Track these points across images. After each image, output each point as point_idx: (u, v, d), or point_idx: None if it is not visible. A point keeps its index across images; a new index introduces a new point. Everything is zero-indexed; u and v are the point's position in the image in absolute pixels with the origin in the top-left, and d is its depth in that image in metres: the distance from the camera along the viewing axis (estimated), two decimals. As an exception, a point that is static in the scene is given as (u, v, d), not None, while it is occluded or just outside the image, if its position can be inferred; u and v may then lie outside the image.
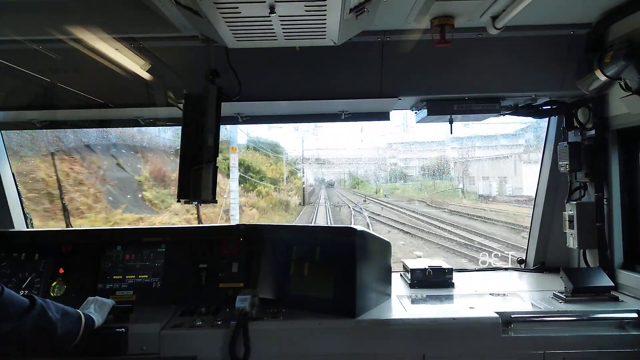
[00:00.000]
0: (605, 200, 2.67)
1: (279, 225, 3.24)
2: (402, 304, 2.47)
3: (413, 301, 2.55)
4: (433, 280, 2.82)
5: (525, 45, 2.54)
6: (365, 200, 27.67)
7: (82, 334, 1.91)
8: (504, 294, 2.61)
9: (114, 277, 2.64)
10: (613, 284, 2.51)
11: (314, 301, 2.38)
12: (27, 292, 2.55)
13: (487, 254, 3.57)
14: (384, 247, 2.69)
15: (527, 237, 3.35)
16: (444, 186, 27.53)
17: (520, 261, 3.33)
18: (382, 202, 25.90)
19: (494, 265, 3.40)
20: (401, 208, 22.62)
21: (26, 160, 9.21)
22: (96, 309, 2.10)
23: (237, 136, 13.51)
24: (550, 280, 2.94)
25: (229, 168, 12.95)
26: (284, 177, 26.25)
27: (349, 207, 23.63)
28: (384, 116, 3.03)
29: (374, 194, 32.13)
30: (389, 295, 2.61)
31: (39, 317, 1.75)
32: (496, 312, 2.23)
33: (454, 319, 2.21)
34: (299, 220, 19.68)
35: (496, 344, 2.17)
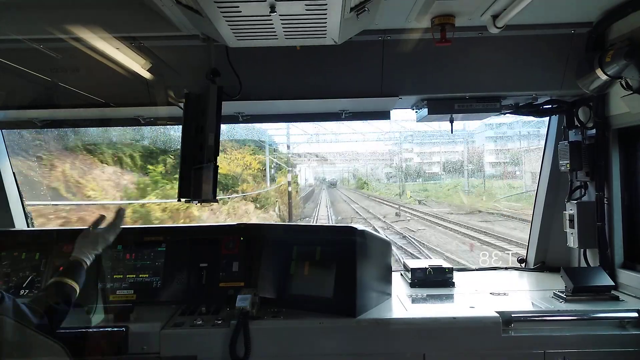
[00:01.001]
0: (605, 199, 2.67)
1: (280, 225, 3.24)
2: (402, 304, 2.47)
3: (413, 300, 2.55)
4: (433, 280, 2.82)
5: (525, 44, 2.53)
6: (398, 214, 17.38)
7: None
8: (505, 294, 2.61)
9: (115, 276, 2.64)
10: (613, 284, 2.51)
11: (315, 301, 2.38)
12: (27, 291, 2.56)
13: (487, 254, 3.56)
14: (385, 247, 2.69)
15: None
16: (503, 187, 19.68)
17: (521, 260, 3.32)
18: (437, 220, 14.80)
19: (494, 265, 3.40)
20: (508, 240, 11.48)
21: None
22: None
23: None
24: (550, 280, 2.94)
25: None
26: (268, 177, 16.99)
27: (377, 230, 13.02)
28: (384, 115, 3.03)
29: (395, 197, 24.29)
30: (390, 294, 2.61)
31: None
32: (496, 312, 2.23)
33: (454, 318, 2.21)
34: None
35: (496, 343, 2.17)
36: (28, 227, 3.31)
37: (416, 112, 2.98)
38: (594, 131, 2.71)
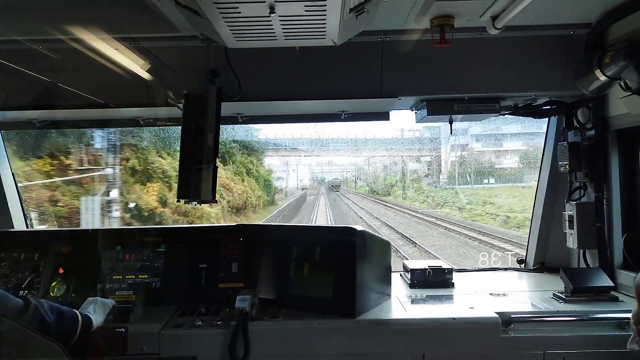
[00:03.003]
0: (605, 200, 2.67)
1: (279, 225, 3.25)
2: (402, 304, 2.47)
3: (413, 301, 2.55)
4: (433, 280, 2.81)
5: (525, 45, 2.54)
6: None
7: (79, 335, 1.91)
8: (504, 294, 2.61)
9: (114, 277, 2.64)
10: (613, 284, 2.51)
11: (314, 301, 2.38)
12: (26, 292, 2.56)
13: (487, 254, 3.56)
14: (384, 247, 2.69)
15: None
16: None
17: (520, 261, 3.32)
18: None
19: (494, 265, 3.40)
20: None
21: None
22: (95, 310, 2.10)
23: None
24: (550, 280, 2.94)
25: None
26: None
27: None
28: (384, 116, 3.04)
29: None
30: (389, 295, 2.61)
31: (32, 318, 1.75)
32: (496, 312, 2.23)
33: (453, 319, 2.21)
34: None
35: (496, 344, 2.17)
36: (27, 227, 3.31)
37: (415, 112, 2.98)
38: (593, 132, 2.71)
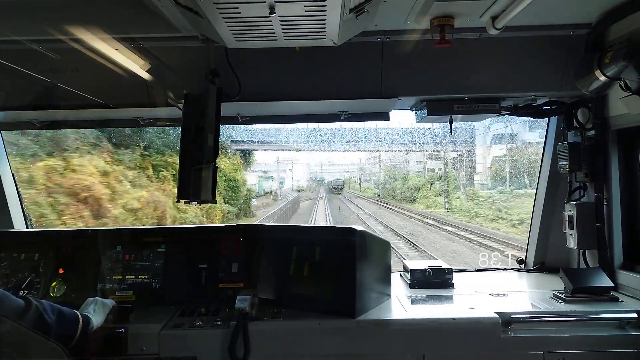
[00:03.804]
0: (605, 200, 2.67)
1: (279, 226, 3.25)
2: (402, 304, 2.47)
3: (413, 301, 2.55)
4: (433, 281, 2.81)
5: (525, 45, 2.54)
6: None
7: (79, 335, 1.91)
8: (504, 294, 2.61)
9: (114, 277, 2.63)
10: (613, 284, 2.51)
11: (314, 301, 2.38)
12: (26, 292, 2.56)
13: (486, 254, 3.57)
14: (384, 247, 2.69)
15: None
16: None
17: (520, 261, 3.32)
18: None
19: (494, 266, 3.40)
20: None
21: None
22: (95, 310, 2.10)
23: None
24: (550, 281, 2.94)
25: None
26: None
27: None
28: (384, 116, 3.04)
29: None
30: (389, 295, 2.61)
31: (33, 318, 1.75)
32: (496, 312, 2.23)
33: (453, 319, 2.21)
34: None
35: (496, 344, 2.17)
36: (27, 228, 3.31)
37: (415, 113, 2.98)
38: (593, 132, 2.71)
